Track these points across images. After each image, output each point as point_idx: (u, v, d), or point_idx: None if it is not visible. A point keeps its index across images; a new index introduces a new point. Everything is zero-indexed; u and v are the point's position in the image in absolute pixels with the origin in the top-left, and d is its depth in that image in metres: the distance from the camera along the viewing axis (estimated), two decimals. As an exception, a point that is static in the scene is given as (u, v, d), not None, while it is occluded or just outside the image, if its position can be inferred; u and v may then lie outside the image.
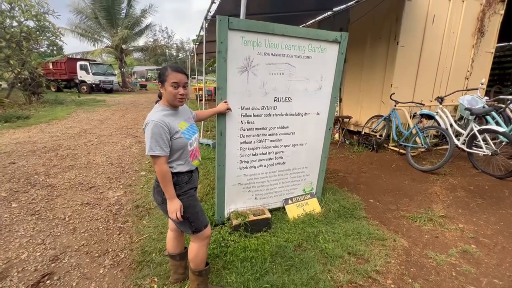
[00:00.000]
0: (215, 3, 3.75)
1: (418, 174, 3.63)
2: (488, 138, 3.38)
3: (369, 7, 4.62)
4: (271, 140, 2.53)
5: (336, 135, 5.53)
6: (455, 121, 4.09)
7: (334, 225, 2.54)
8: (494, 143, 3.45)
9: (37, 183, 3.51)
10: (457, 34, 4.55)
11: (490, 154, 3.32)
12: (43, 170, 3.98)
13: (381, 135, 4.59)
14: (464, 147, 3.59)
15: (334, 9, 5.79)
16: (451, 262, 2.09)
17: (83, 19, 19.18)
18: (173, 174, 1.51)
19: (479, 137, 3.37)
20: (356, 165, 4.15)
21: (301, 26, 7.24)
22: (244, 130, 2.37)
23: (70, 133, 6.43)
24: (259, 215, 2.50)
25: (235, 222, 2.39)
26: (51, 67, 17.53)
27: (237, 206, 2.60)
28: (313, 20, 6.73)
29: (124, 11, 20.03)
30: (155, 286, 1.84)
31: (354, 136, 5.30)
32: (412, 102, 4.25)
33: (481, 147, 3.38)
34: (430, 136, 4.55)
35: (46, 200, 3.06)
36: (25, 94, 10.97)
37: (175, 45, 40.07)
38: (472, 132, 3.45)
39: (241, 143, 2.40)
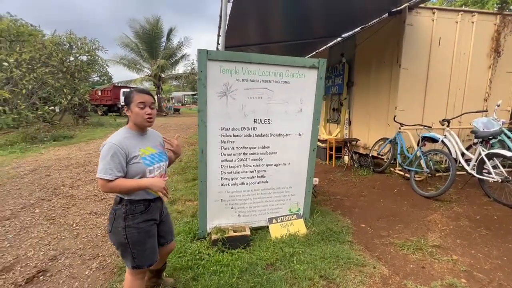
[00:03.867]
0: (220, 36, 4.17)
1: (420, 200, 3.40)
2: (499, 164, 3.10)
3: (371, 33, 4.72)
4: (252, 159, 2.67)
5: (346, 158, 5.42)
6: (473, 144, 3.80)
7: (314, 246, 2.50)
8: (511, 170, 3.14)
9: (61, 193, 4.02)
10: (468, 55, 4.38)
11: (500, 180, 3.02)
12: (70, 182, 4.54)
13: (387, 158, 4.42)
14: (474, 172, 3.31)
15: (343, 35, 6.02)
16: (431, 295, 1.93)
17: (128, 51, 21.97)
18: (126, 201, 1.42)
19: (487, 162, 3.10)
20: (358, 189, 4.02)
21: (314, 52, 7.53)
22: (225, 149, 2.56)
23: (101, 151, 7.22)
24: (239, 232, 2.58)
25: (214, 237, 2.50)
26: (99, 94, 20.06)
27: (221, 222, 2.71)
28: (325, 46, 6.97)
29: (164, 44, 22.52)
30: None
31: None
32: (419, 124, 4.09)
33: (490, 173, 3.10)
34: (446, 161, 4.25)
35: (63, 208, 3.49)
36: (74, 117, 12.69)
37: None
38: (480, 156, 3.20)
39: (222, 161, 2.57)
